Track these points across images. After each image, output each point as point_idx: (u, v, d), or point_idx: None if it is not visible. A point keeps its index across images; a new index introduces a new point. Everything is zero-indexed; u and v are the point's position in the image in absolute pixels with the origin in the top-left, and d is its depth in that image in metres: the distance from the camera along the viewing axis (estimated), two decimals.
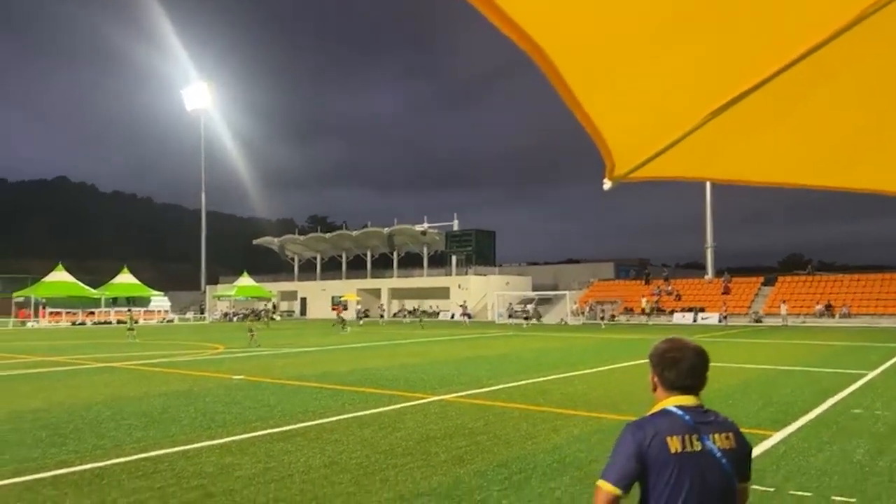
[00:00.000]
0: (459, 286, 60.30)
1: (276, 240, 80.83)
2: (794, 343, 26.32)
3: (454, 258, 63.83)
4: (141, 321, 53.18)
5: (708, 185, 52.04)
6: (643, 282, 55.84)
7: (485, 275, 61.28)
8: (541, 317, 50.83)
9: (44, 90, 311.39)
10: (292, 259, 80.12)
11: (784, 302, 44.18)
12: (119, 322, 53.33)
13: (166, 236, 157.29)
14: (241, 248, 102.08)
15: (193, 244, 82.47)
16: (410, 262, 73.51)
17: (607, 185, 2.18)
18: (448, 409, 10.68)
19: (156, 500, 5.75)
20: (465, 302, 55.00)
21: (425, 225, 66.08)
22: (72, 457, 7.39)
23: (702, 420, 2.15)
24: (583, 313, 50.39)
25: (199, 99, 77.51)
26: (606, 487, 2.08)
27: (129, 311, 50.24)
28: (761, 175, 2.48)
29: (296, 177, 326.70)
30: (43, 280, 56.18)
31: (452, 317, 57.17)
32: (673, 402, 2.18)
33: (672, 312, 48.49)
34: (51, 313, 52.97)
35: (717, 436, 2.13)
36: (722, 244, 61.91)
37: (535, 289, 60.46)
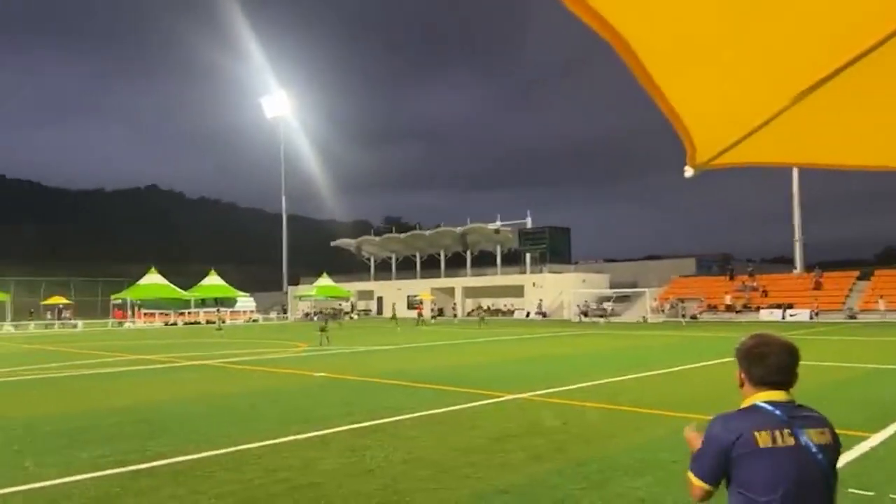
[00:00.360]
0: (534, 284, 59.83)
1: (352, 241, 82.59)
2: (893, 341, 24.73)
3: (528, 256, 63.36)
4: (228, 321, 55.52)
5: (795, 173, 49.57)
6: (727, 277, 53.80)
7: (560, 272, 60.54)
8: (617, 315, 49.79)
9: (136, 104, 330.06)
10: (368, 259, 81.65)
11: (881, 297, 41.56)
12: (208, 322, 55.85)
13: (250, 239, 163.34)
14: (319, 249, 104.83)
15: (275, 247, 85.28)
16: (484, 261, 73.52)
17: (689, 172, 2.15)
18: (524, 407, 10.63)
19: (244, 492, 5.99)
20: (541, 301, 54.55)
21: (498, 223, 65.92)
22: (167, 449, 7.81)
23: (794, 415, 2.10)
24: (663, 311, 49.03)
25: (278, 106, 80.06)
26: (696, 482, 2.12)
27: (218, 311, 52.57)
28: (851, 158, 2.35)
29: (371, 180, 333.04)
30: (137, 283, 59.48)
31: (527, 315, 56.80)
32: (762, 398, 2.15)
33: (758, 309, 46.50)
34: (145, 314, 56.03)
35: (811, 431, 2.08)
36: (811, 237, 58.69)
37: (613, 286, 59.22)
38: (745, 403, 2.18)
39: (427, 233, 73.19)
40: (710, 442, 2.11)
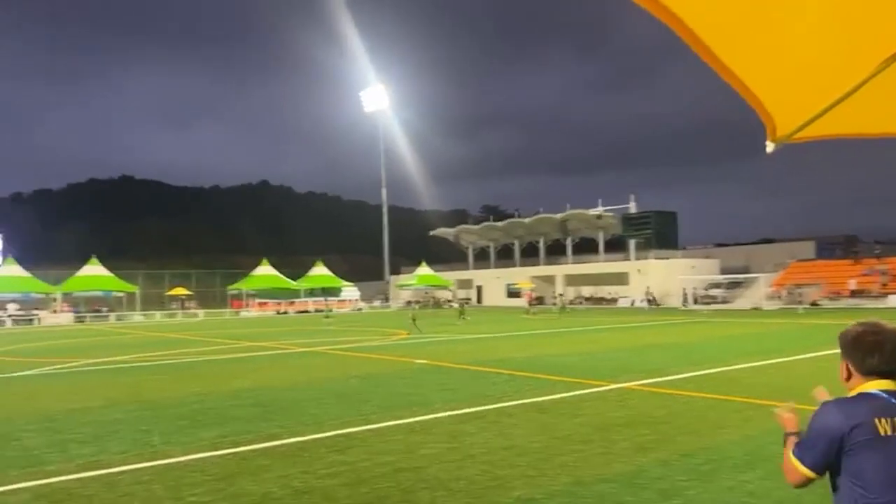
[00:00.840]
0: (639, 271, 58.10)
1: (450, 230, 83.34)
2: None
3: (632, 242, 61.53)
4: (335, 310, 57.66)
5: None
6: (851, 261, 50.02)
7: (666, 258, 58.42)
8: (728, 302, 47.48)
9: (247, 105, 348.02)
10: (467, 248, 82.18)
11: None
12: (317, 311, 58.30)
13: (353, 231, 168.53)
14: (419, 238, 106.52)
15: (377, 237, 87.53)
16: (585, 248, 72.13)
17: (770, 147, 2.07)
18: (628, 397, 10.38)
19: (351, 473, 6.22)
20: (648, 288, 52.91)
21: (600, 209, 64.37)
22: (279, 431, 8.23)
23: None
24: (779, 297, 46.29)
25: (377, 100, 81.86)
26: (801, 469, 2.02)
27: (326, 300, 54.70)
28: None
29: (467, 168, 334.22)
30: (251, 274, 62.94)
31: (632, 303, 55.29)
32: (874, 386, 2.02)
33: (887, 296, 42.96)
34: (259, 303, 59.17)
35: None
36: None
37: (723, 272, 56.48)
38: (854, 392, 2.06)
39: (526, 220, 72.66)
40: (824, 429, 2.00)
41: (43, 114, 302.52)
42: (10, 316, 48.41)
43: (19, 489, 5.98)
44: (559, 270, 67.01)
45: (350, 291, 66.43)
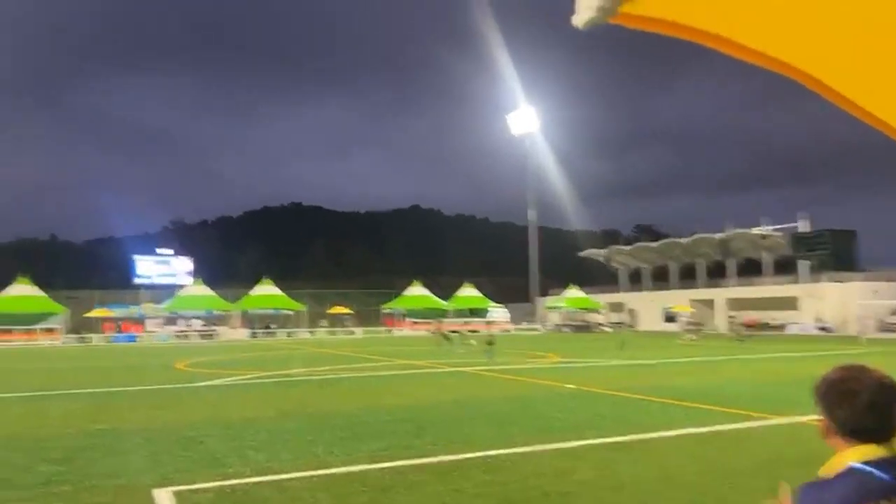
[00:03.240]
0: (811, 296, 53.24)
1: (601, 251, 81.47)
2: None
3: (803, 264, 56.55)
4: (484, 331, 58.32)
5: None
6: None
7: (843, 282, 53.07)
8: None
9: (399, 133, 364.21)
10: (618, 270, 79.82)
11: None
12: (471, 332, 59.29)
13: (501, 252, 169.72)
14: (567, 260, 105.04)
15: (524, 258, 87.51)
16: (749, 270, 67.39)
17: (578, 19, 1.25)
18: (801, 432, 9.54)
19: (501, 494, 6.29)
20: (820, 314, 48.36)
21: (765, 228, 59.98)
22: (431, 448, 8.49)
23: None
24: None
25: (524, 122, 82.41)
26: None
27: (465, 323, 55.42)
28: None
29: (617, 188, 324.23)
30: (404, 294, 65.43)
31: (803, 330, 50.70)
32: (855, 455, 1.55)
33: None
34: (412, 322, 61.27)
35: None
36: None
37: None
38: (835, 464, 1.58)
39: (683, 240, 69.34)
40: None
41: (223, 148, 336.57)
42: (195, 331, 53.95)
43: (205, 488, 6.67)
44: (720, 294, 63.10)
45: (499, 313, 66.84)
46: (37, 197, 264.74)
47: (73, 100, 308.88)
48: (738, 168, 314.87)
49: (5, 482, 6.98)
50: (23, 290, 49.76)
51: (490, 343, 24.78)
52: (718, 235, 63.58)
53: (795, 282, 57.41)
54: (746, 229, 61.25)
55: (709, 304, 63.03)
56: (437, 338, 35.86)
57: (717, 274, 68.55)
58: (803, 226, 57.58)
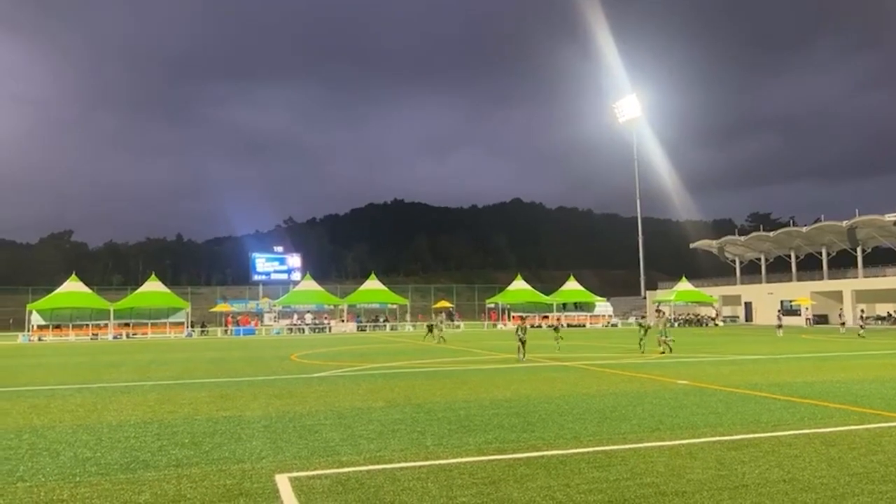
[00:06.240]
0: None
1: (714, 242, 77.81)
2: None
3: None
4: (588, 325, 57.36)
5: None
6: None
7: None
8: None
9: (499, 128, 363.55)
10: (733, 261, 75.94)
11: None
12: (569, 325, 58.53)
13: (605, 244, 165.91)
14: (677, 252, 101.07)
15: (631, 250, 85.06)
16: (880, 259, 62.20)
17: None
18: None
19: (612, 491, 6.14)
20: None
21: None
22: (539, 442, 8.42)
23: None
24: None
25: (630, 110, 79.96)
26: None
27: (559, 318, 54.35)
28: None
29: (728, 177, 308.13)
30: (507, 288, 65.29)
31: None
32: None
33: None
34: (513, 317, 61.03)
35: None
36: None
37: None
38: None
39: (804, 229, 65.01)
40: None
41: (331, 151, 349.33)
42: (307, 324, 56.35)
43: (322, 475, 6.95)
44: (847, 285, 58.71)
45: (603, 307, 65.42)
46: (164, 200, 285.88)
47: (198, 112, 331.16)
48: (859, 154, 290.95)
49: (142, 463, 7.57)
50: (153, 287, 53.82)
51: (556, 330, 27.53)
52: (845, 223, 59.07)
53: None
54: (878, 216, 56.52)
55: (835, 295, 58.77)
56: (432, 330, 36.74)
57: (842, 264, 63.78)
58: None
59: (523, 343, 22.16)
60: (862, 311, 45.50)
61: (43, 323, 49.59)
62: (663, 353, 23.77)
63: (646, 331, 25.56)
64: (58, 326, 49.62)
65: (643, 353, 23.54)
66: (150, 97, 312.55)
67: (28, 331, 48.90)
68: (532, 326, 56.36)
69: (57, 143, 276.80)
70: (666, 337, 24.62)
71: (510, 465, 7.25)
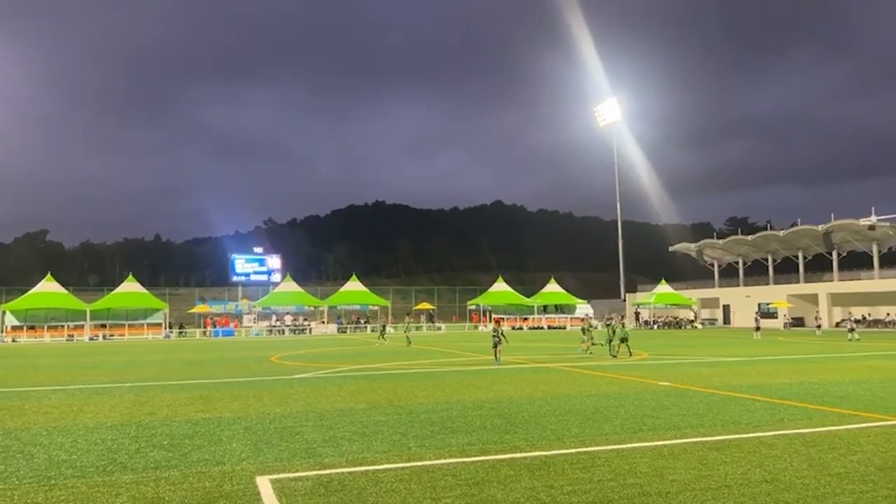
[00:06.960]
0: None
1: (693, 245, 78.57)
2: None
3: None
4: (568, 327, 57.59)
5: None
6: None
7: None
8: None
9: (479, 132, 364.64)
10: (711, 264, 76.74)
11: None
12: (549, 328, 58.74)
13: (586, 247, 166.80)
14: (657, 255, 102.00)
15: (611, 253, 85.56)
16: (854, 263, 63.22)
17: None
18: None
19: (596, 492, 6.13)
20: None
21: (873, 218, 56.05)
22: (522, 444, 8.40)
23: None
24: None
25: (610, 114, 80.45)
26: None
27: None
28: None
29: (706, 180, 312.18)
30: (488, 290, 65.33)
31: None
32: None
33: None
34: (494, 319, 61.09)
35: None
36: None
37: None
38: None
39: (781, 233, 65.89)
40: None
41: (311, 152, 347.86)
42: (287, 326, 55.93)
43: (303, 477, 6.86)
44: (822, 288, 59.65)
45: (584, 309, 65.64)
46: (142, 200, 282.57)
47: (179, 111, 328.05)
48: (835, 159, 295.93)
49: (120, 465, 7.43)
50: (130, 288, 53.08)
51: (584, 332, 25.43)
52: (821, 227, 59.96)
53: None
54: (853, 220, 57.45)
55: (810, 298, 59.62)
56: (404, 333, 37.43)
57: (818, 267, 64.75)
58: None
59: (496, 346, 21.67)
60: (850, 314, 46.11)
61: (17, 324, 48.69)
62: (587, 350, 24.24)
63: (592, 336, 25.39)
64: (32, 327, 48.77)
65: (614, 356, 23.58)
66: (128, 96, 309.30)
67: (2, 332, 48.01)
68: (514, 329, 56.52)
69: (32, 142, 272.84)
70: (591, 339, 24.87)
71: (493, 466, 7.22)
